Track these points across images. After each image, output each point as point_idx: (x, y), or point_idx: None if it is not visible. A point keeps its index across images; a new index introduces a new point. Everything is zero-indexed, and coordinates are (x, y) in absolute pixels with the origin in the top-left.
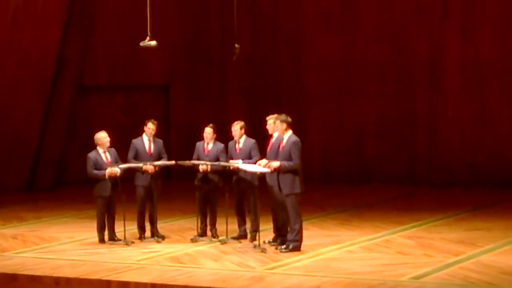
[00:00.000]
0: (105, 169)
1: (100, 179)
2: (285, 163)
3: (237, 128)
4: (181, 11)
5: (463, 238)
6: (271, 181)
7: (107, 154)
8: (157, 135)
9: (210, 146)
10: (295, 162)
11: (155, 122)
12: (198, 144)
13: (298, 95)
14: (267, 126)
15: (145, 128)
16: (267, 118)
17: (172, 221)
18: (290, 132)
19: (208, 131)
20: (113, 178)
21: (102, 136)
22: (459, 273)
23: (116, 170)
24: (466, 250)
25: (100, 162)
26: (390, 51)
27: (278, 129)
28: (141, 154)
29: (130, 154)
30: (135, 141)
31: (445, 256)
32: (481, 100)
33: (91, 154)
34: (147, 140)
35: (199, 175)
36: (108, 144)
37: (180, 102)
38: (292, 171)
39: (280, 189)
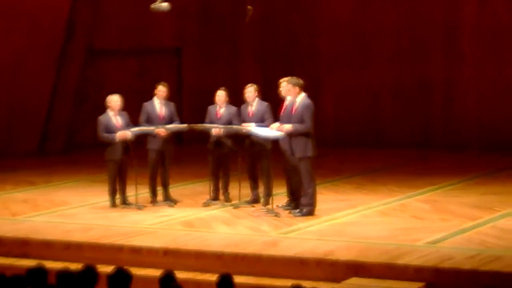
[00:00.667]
0: (116, 132)
1: (111, 143)
2: (298, 125)
3: (251, 89)
4: None
5: (480, 202)
6: (284, 144)
7: (118, 117)
8: (169, 98)
9: (223, 109)
10: (307, 125)
11: (166, 84)
12: (210, 107)
13: (312, 58)
14: (280, 89)
15: (156, 91)
16: (280, 81)
17: (184, 185)
18: (303, 94)
19: (221, 94)
20: (124, 142)
21: (113, 99)
22: (475, 238)
23: (127, 133)
24: (482, 215)
25: (111, 125)
26: (405, 14)
27: (291, 93)
28: (152, 118)
29: (142, 117)
30: (146, 105)
31: (461, 221)
32: (498, 64)
33: (102, 117)
34: (158, 103)
35: (212, 139)
36: (118, 107)
37: (192, 65)
38: (304, 134)
39: (292, 152)
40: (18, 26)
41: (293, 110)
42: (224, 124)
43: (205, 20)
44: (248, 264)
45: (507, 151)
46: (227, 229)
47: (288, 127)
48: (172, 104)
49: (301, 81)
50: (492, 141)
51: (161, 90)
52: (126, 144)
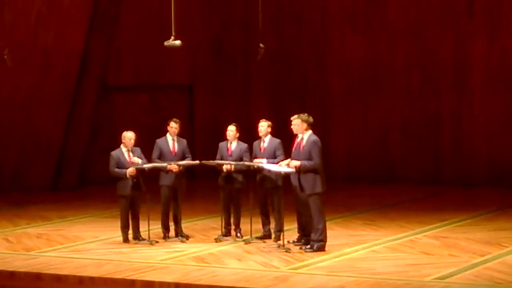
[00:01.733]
0: (127, 167)
1: (121, 178)
2: (306, 162)
3: (264, 124)
4: (206, 10)
5: (489, 238)
6: (294, 181)
7: (131, 153)
8: (181, 134)
9: (234, 146)
10: (315, 162)
11: (178, 120)
12: (221, 144)
13: (323, 95)
14: (292, 126)
15: (168, 127)
16: (292, 118)
17: (196, 220)
18: (310, 132)
19: (232, 129)
20: (134, 177)
21: (128, 136)
22: (484, 274)
23: (136, 162)
24: (491, 250)
25: (122, 160)
26: (415, 51)
27: (299, 128)
28: (165, 154)
29: (154, 154)
30: (159, 141)
31: (470, 256)
32: (507, 100)
33: (114, 152)
34: (171, 140)
35: (223, 175)
36: (132, 144)
37: (204, 101)
38: (313, 170)
39: (302, 189)
40: (32, 60)
41: (301, 147)
42: (235, 160)
43: (217, 57)
44: None
45: None
46: (239, 264)
47: (296, 163)
48: (184, 140)
49: (311, 119)
50: (501, 177)
51: (173, 126)
52: (136, 180)
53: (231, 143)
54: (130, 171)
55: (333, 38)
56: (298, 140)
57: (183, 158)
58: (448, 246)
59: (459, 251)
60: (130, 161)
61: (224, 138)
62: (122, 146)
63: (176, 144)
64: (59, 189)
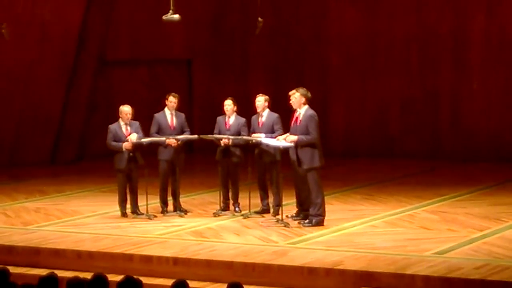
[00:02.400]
0: (124, 141)
1: (118, 151)
2: (303, 137)
3: (261, 99)
4: None
5: (488, 213)
6: (293, 155)
7: (128, 127)
8: (179, 108)
9: (232, 120)
10: (312, 136)
11: (176, 95)
12: (219, 118)
13: (321, 70)
14: (291, 101)
15: (167, 102)
16: (290, 93)
17: (194, 195)
18: (306, 106)
19: (228, 103)
20: (130, 151)
21: (125, 110)
22: (483, 248)
23: (132, 139)
24: (490, 225)
25: (120, 134)
26: (414, 27)
27: (296, 102)
28: (163, 128)
29: (153, 128)
30: (157, 116)
31: (469, 231)
32: (506, 76)
33: (112, 126)
34: (169, 114)
35: (220, 149)
36: (129, 118)
37: (202, 76)
38: (310, 145)
39: (300, 163)
40: (30, 36)
41: (298, 121)
42: (233, 134)
43: (215, 31)
44: (258, 274)
45: None
46: (237, 239)
47: (293, 138)
48: (182, 115)
49: (309, 94)
50: (500, 152)
51: (172, 101)
52: (132, 154)
53: (229, 117)
54: (126, 145)
55: (331, 12)
56: (296, 114)
57: (182, 133)
58: (447, 221)
59: (458, 226)
60: (127, 135)
61: (222, 112)
62: (120, 120)
63: (174, 118)
64: (57, 164)
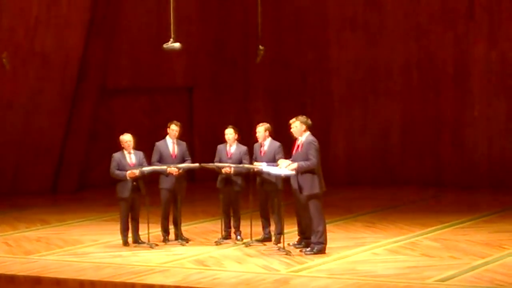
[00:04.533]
0: (128, 170)
1: (121, 180)
2: (303, 163)
3: (261, 130)
4: (205, 13)
5: (490, 240)
6: (294, 183)
7: (132, 155)
8: (180, 137)
9: (233, 148)
10: (311, 162)
11: (178, 123)
12: (220, 146)
13: (323, 97)
14: (291, 130)
15: (169, 130)
16: (290, 121)
17: (196, 223)
18: (307, 133)
19: (230, 132)
20: (134, 180)
21: (125, 139)
22: (485, 276)
23: (135, 172)
24: (492, 252)
25: (123, 163)
26: (415, 52)
27: (297, 130)
28: (165, 157)
29: (154, 157)
30: (158, 144)
31: (471, 259)
32: (507, 102)
33: (116, 155)
34: (171, 143)
35: (222, 177)
36: (130, 146)
37: (203, 104)
38: (310, 171)
39: (300, 190)
40: (31, 64)
41: (299, 148)
42: (234, 163)
43: (216, 59)
44: None
45: None
46: (239, 267)
47: (294, 166)
48: (183, 143)
49: (309, 121)
50: (502, 180)
51: (174, 129)
52: (135, 183)
53: (230, 146)
54: (130, 173)
55: (332, 40)
56: (298, 142)
57: (183, 161)
58: (448, 248)
59: (460, 253)
60: (131, 164)
61: (223, 140)
62: (123, 149)
63: (176, 147)
64: (59, 193)
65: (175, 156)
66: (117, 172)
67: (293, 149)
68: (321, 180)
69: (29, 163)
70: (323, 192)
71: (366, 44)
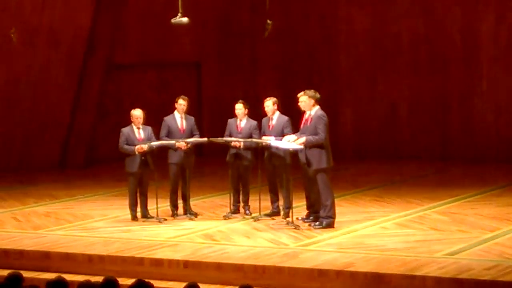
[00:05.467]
0: (136, 145)
1: (129, 154)
2: (311, 137)
3: (269, 103)
4: None
5: (498, 214)
6: (302, 157)
7: (141, 130)
8: (189, 112)
9: (243, 123)
10: (320, 136)
11: (186, 98)
12: (230, 121)
13: (330, 71)
14: (299, 103)
15: (176, 105)
16: (298, 95)
17: (204, 198)
18: (317, 107)
19: (239, 107)
20: (142, 155)
21: (135, 114)
22: (494, 249)
23: (143, 146)
24: (501, 226)
25: (132, 137)
26: (422, 27)
27: (306, 104)
28: (173, 132)
29: (163, 132)
30: (167, 119)
31: (480, 232)
32: None
33: (125, 129)
34: (179, 117)
35: (231, 152)
36: (140, 122)
37: (211, 79)
38: (318, 146)
39: (308, 164)
40: (39, 40)
41: (308, 122)
42: (244, 137)
43: (224, 34)
44: (268, 276)
45: None
46: (248, 241)
47: (302, 140)
48: (192, 118)
49: (317, 95)
50: (510, 153)
51: (181, 104)
52: (144, 158)
53: (240, 120)
54: (139, 148)
55: (340, 14)
56: (306, 116)
57: (191, 136)
58: (457, 222)
59: (468, 227)
60: (139, 139)
61: (232, 114)
62: (132, 124)
63: (184, 121)
64: (67, 168)
65: (183, 131)
66: (126, 146)
67: (301, 123)
68: (329, 155)
69: (37, 138)
70: (331, 167)
71: (374, 19)
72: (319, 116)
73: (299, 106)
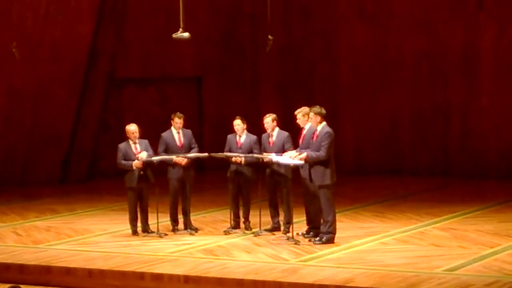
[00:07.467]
0: (134, 160)
1: (128, 170)
2: (313, 153)
3: (268, 120)
4: (214, 3)
5: (498, 230)
6: (303, 173)
7: (138, 145)
8: (189, 127)
9: (243, 138)
10: (321, 153)
11: (182, 115)
12: (230, 136)
13: (331, 87)
14: (297, 121)
15: (172, 122)
16: (296, 112)
17: (205, 213)
18: (324, 123)
19: (238, 123)
20: (141, 169)
21: (130, 130)
22: (494, 265)
23: (142, 155)
24: (501, 242)
25: (129, 153)
26: (424, 42)
27: (312, 121)
28: (171, 147)
29: (160, 148)
30: (164, 135)
31: (480, 248)
32: None
33: (121, 145)
34: (176, 133)
35: (232, 167)
36: (136, 137)
37: (212, 94)
38: (322, 162)
39: (311, 180)
40: (41, 55)
41: (314, 138)
42: (244, 152)
43: (225, 49)
44: None
45: None
46: (248, 256)
47: (302, 155)
48: (189, 131)
49: (323, 111)
50: (510, 169)
51: (177, 122)
52: (143, 172)
53: (240, 136)
54: (136, 163)
55: (341, 29)
56: (305, 132)
57: (190, 150)
58: (457, 237)
59: (468, 243)
60: (137, 154)
61: (232, 130)
62: (129, 139)
63: (181, 136)
64: (68, 182)
65: (181, 146)
66: (124, 162)
67: (299, 139)
68: (333, 172)
69: (38, 152)
70: (334, 182)
71: (375, 33)
72: (326, 133)
73: (297, 123)
